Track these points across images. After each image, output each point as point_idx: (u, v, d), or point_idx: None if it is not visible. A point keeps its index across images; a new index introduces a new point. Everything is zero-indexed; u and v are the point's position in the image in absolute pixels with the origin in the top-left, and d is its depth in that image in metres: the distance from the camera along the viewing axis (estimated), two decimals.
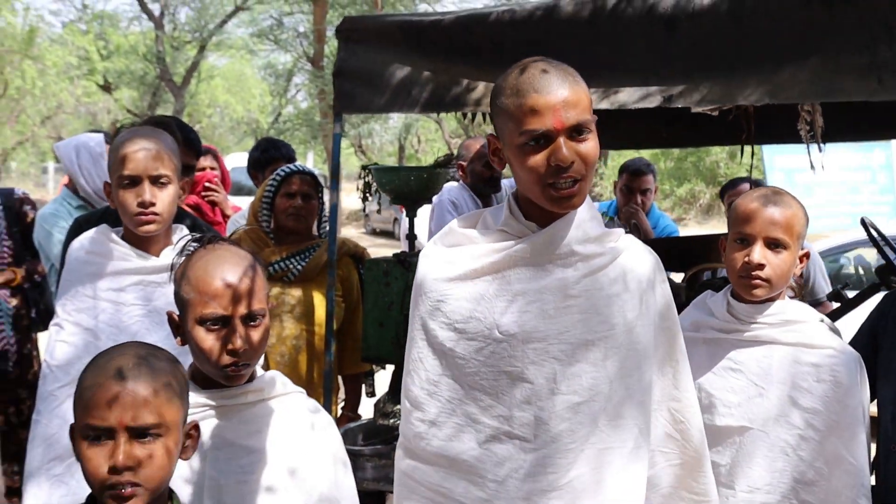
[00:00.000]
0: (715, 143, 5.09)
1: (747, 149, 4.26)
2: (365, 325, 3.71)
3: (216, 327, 1.89)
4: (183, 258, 1.98)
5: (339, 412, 3.97)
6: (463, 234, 1.92)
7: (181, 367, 1.71)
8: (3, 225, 4.79)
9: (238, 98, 29.77)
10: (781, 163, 11.64)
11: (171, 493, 1.72)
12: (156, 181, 2.44)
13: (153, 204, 2.43)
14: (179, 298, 1.96)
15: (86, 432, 1.57)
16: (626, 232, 4.71)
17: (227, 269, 1.91)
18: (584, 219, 1.85)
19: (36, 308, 4.75)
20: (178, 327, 1.99)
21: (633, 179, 4.96)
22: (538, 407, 1.79)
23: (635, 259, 1.90)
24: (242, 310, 1.90)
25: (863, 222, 3.65)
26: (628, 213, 4.85)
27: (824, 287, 4.42)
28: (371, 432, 3.64)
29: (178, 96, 24.24)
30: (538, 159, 1.73)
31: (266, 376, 2.04)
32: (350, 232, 23.26)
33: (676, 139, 5.24)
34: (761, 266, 2.25)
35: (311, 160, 28.37)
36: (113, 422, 1.55)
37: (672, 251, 4.22)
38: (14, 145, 20.37)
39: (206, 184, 4.76)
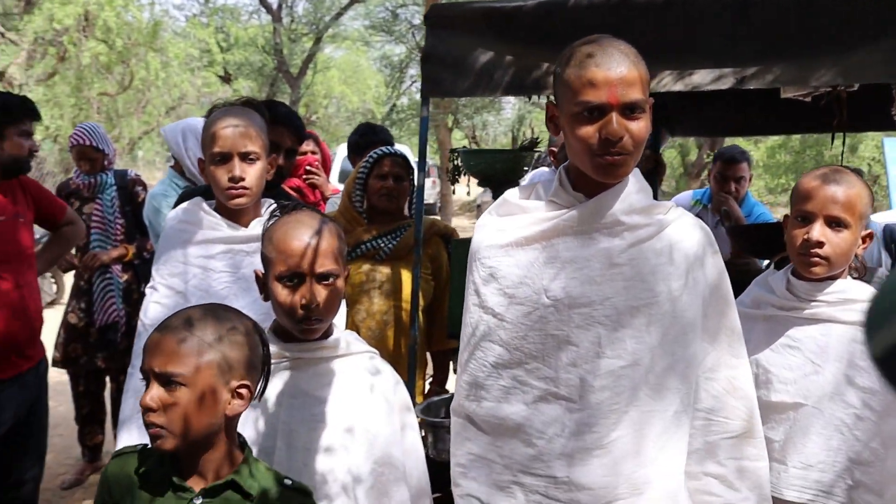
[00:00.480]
0: (807, 130, 5.01)
1: (874, 142, 4.19)
2: (451, 302, 3.80)
3: (291, 283, 2.08)
4: (271, 223, 2.17)
5: (427, 386, 4.10)
6: (515, 205, 2.01)
7: (251, 336, 1.82)
8: (116, 204, 5.11)
9: (353, 89, 30.18)
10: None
11: (242, 440, 1.86)
12: (245, 157, 2.58)
13: (242, 179, 2.57)
14: (264, 257, 2.16)
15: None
16: (717, 220, 4.71)
17: (304, 231, 2.09)
18: (631, 191, 1.92)
19: (145, 282, 5.03)
20: (263, 284, 2.18)
21: (727, 167, 4.93)
22: (583, 369, 1.87)
23: (683, 231, 1.95)
24: (316, 268, 2.08)
25: None
26: (719, 200, 4.84)
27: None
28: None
29: (294, 87, 24.84)
30: (590, 130, 1.81)
31: (341, 335, 2.21)
32: (462, 222, 23.41)
33: (770, 126, 5.18)
34: (820, 244, 2.26)
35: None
36: (146, 366, 1.73)
37: (762, 237, 4.20)
38: (140, 135, 21.20)
39: (307, 167, 4.94)
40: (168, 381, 1.71)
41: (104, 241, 5.11)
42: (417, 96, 28.60)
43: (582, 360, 1.88)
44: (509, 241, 1.97)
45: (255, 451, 1.98)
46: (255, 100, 2.82)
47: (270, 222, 2.18)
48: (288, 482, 1.83)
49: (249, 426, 2.07)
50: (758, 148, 23.87)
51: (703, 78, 2.78)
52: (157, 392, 1.71)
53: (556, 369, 1.89)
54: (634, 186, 1.93)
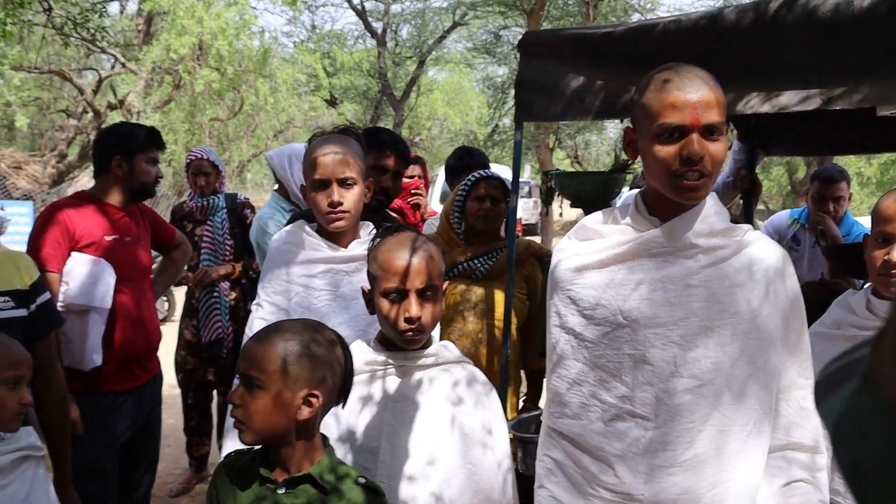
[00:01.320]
0: None
1: None
2: (544, 321, 3.87)
3: (395, 299, 2.26)
4: (375, 243, 2.37)
5: (521, 404, 4.19)
6: (593, 229, 2.09)
7: (335, 349, 2.02)
8: (226, 226, 5.37)
9: (456, 110, 30.46)
10: None
11: (325, 440, 2.06)
12: (343, 183, 2.72)
13: (341, 203, 2.71)
14: (370, 275, 2.36)
15: None
16: (815, 239, 4.65)
17: (406, 251, 2.27)
18: (709, 214, 1.97)
19: (252, 301, 5.26)
20: (370, 300, 2.37)
21: (825, 187, 4.88)
22: (659, 388, 1.93)
23: (762, 251, 2.00)
24: (417, 284, 2.25)
25: None
26: (815, 220, 4.79)
27: None
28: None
29: (397, 110, 25.25)
30: (670, 151, 1.88)
31: (441, 345, 2.40)
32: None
33: (869, 146, 5.10)
34: None
35: (527, 171, 28.72)
36: (237, 368, 1.99)
37: (859, 256, 4.14)
38: (249, 158, 21.87)
39: (413, 190, 5.12)
40: (249, 383, 1.94)
41: (213, 261, 5.37)
42: None
43: (657, 378, 1.93)
44: (586, 264, 2.05)
45: (360, 451, 2.23)
46: (354, 127, 2.97)
47: (375, 243, 2.36)
48: (362, 480, 2.00)
49: (357, 428, 2.26)
50: (870, 164, 23.18)
51: (790, 99, 2.81)
52: (241, 391, 1.95)
53: (631, 387, 1.95)
54: (711, 209, 1.99)
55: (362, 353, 2.32)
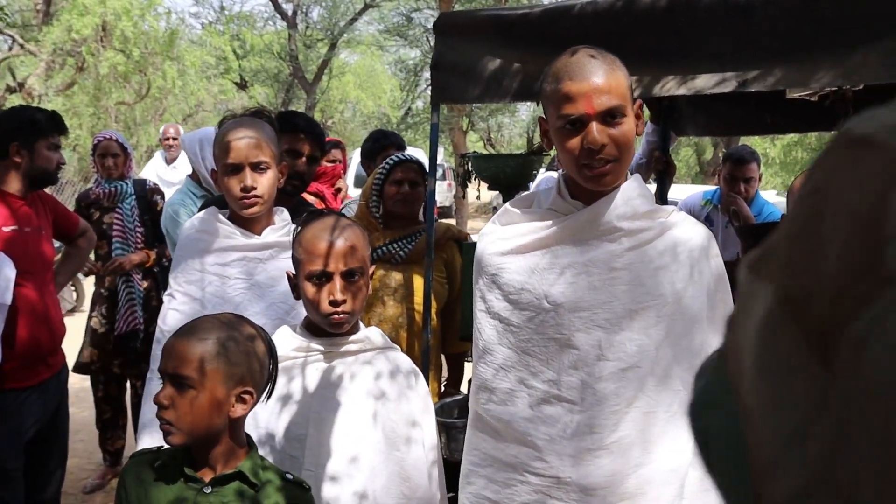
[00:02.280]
0: (815, 129, 5.04)
1: None
2: (463, 305, 3.87)
3: (319, 282, 2.22)
4: (300, 227, 2.32)
5: (442, 388, 4.17)
6: (516, 213, 2.08)
7: (258, 343, 1.97)
8: (136, 213, 5.21)
9: (368, 93, 30.29)
10: None
11: (250, 442, 1.99)
12: (256, 167, 2.65)
13: (254, 188, 2.64)
14: (294, 259, 2.31)
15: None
16: (727, 220, 4.75)
17: (330, 233, 2.23)
18: (632, 196, 1.97)
19: (164, 290, 5.13)
20: (295, 286, 2.32)
21: (736, 168, 4.96)
22: (585, 372, 1.93)
23: (686, 232, 2.00)
24: (342, 267, 2.22)
25: None
26: (728, 200, 4.87)
27: None
28: (466, 407, 3.78)
29: (309, 93, 24.93)
30: (574, 142, 1.88)
31: (367, 331, 2.36)
32: (478, 224, 23.45)
33: (779, 126, 5.21)
34: None
35: (440, 153, 28.68)
36: (162, 367, 1.91)
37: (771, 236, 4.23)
38: (157, 143, 21.39)
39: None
40: (179, 383, 1.86)
41: (125, 249, 5.20)
42: None
43: (583, 362, 1.93)
44: (510, 248, 2.03)
45: (287, 439, 2.19)
46: (266, 109, 2.90)
47: (300, 227, 2.32)
48: (289, 476, 1.97)
49: (283, 416, 2.21)
50: (774, 145, 23.78)
51: (705, 82, 2.82)
52: (169, 391, 1.87)
53: (557, 372, 1.95)
54: (634, 191, 1.99)
55: (288, 340, 2.28)
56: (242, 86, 24.88)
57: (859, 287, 0.44)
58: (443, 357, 4.20)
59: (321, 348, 2.28)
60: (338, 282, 2.22)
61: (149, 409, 2.57)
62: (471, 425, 2.14)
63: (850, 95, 3.89)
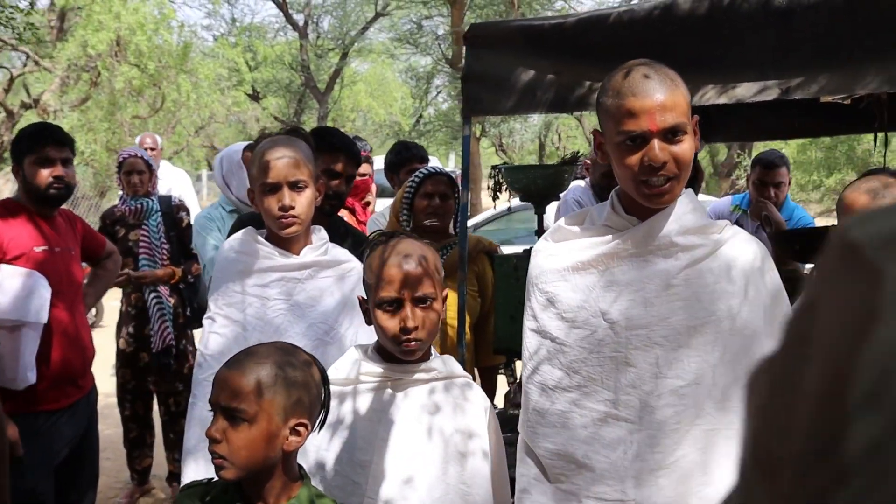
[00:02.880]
0: (847, 131, 4.99)
1: (881, 136, 4.17)
2: (496, 318, 3.84)
3: (391, 308, 2.15)
4: (370, 250, 2.26)
5: None
6: (570, 231, 2.04)
7: (313, 371, 1.92)
8: (162, 229, 5.19)
9: (380, 102, 30.28)
10: None
11: (301, 469, 1.95)
12: (293, 186, 2.62)
13: (292, 207, 2.61)
14: (365, 284, 2.26)
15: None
16: (758, 224, 4.71)
17: (402, 258, 2.16)
18: (685, 211, 1.94)
19: (191, 306, 5.12)
20: (367, 310, 2.27)
21: (765, 173, 4.91)
22: (643, 390, 1.89)
23: (740, 248, 1.97)
24: (414, 293, 2.14)
25: None
26: (758, 206, 4.82)
27: None
28: (503, 422, 3.72)
29: (321, 102, 24.93)
30: (633, 158, 1.85)
31: (439, 359, 2.30)
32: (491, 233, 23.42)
33: (809, 129, 5.15)
34: None
35: (451, 161, 28.70)
36: (213, 399, 1.86)
37: (804, 242, 4.18)
38: (171, 155, 21.42)
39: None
40: (232, 416, 1.81)
41: (151, 265, 5.18)
42: (444, 107, 28.85)
43: (641, 381, 1.90)
44: (566, 265, 2.00)
45: (351, 464, 2.14)
46: (301, 128, 2.87)
47: (370, 250, 2.26)
48: None
49: (349, 441, 2.17)
50: (788, 145, 23.65)
51: (746, 90, 2.78)
52: (222, 425, 1.82)
53: (615, 391, 1.91)
54: (688, 206, 1.96)
55: (358, 364, 2.23)
56: (255, 97, 24.89)
57: (818, 476, 0.42)
58: (476, 371, 4.17)
59: (391, 375, 2.23)
60: (409, 309, 2.15)
61: (193, 435, 2.54)
62: (523, 446, 2.09)
63: (884, 97, 3.84)
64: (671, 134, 1.84)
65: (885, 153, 4.20)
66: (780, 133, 5.74)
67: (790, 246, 4.27)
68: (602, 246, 1.96)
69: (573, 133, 34.53)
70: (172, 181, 7.63)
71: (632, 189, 1.89)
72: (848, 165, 23.03)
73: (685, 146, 1.86)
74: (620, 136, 1.85)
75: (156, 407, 5.46)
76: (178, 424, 5.08)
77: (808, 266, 4.20)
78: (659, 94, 1.83)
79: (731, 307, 1.91)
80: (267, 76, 24.97)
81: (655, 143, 1.82)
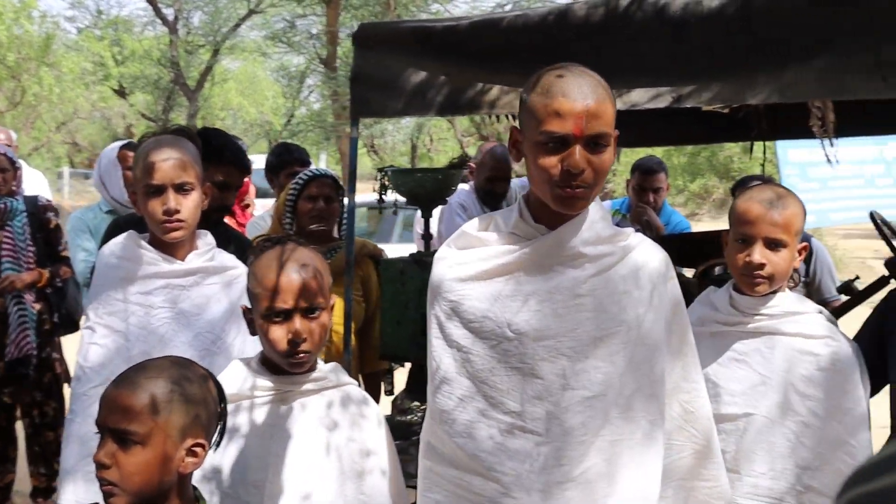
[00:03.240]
0: (727, 139, 5.15)
1: (759, 144, 4.31)
2: (382, 323, 3.78)
3: (279, 319, 2.08)
4: (253, 258, 2.17)
5: None
6: (475, 237, 1.99)
7: (209, 387, 1.82)
8: (27, 231, 4.89)
9: (251, 101, 29.86)
10: (795, 157, 11.61)
11: (197, 495, 1.85)
12: (179, 189, 2.52)
13: (178, 211, 2.50)
14: (250, 293, 2.16)
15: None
16: (637, 230, 4.79)
17: (289, 266, 2.09)
18: (594, 220, 1.92)
19: (58, 312, 4.86)
20: (251, 320, 2.18)
21: (644, 178, 5.02)
22: (550, 402, 1.86)
23: (646, 255, 1.97)
24: (302, 303, 2.08)
25: (871, 216, 3.69)
26: (638, 211, 4.91)
27: (831, 287, 4.44)
28: (391, 427, 3.70)
29: (191, 100, 24.34)
30: (552, 161, 1.80)
31: (327, 367, 2.24)
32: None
33: (689, 136, 5.28)
34: (762, 265, 2.33)
35: (323, 161, 28.43)
36: (100, 421, 1.72)
37: (683, 247, 4.27)
38: (30, 151, 20.51)
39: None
40: (123, 438, 1.69)
41: (16, 269, 4.87)
42: (316, 107, 28.59)
43: (548, 392, 1.87)
44: (470, 274, 1.95)
45: (243, 485, 2.05)
46: (188, 128, 2.75)
47: (254, 257, 2.17)
48: None
49: (239, 460, 2.08)
50: (652, 150, 24.41)
51: (640, 97, 2.79)
52: (111, 448, 1.69)
53: (521, 403, 1.88)
54: (597, 214, 1.94)
55: (245, 378, 2.14)
56: (121, 93, 24.08)
57: None
58: (360, 377, 4.10)
59: (279, 388, 2.15)
60: (298, 320, 2.09)
61: (71, 454, 2.40)
62: (426, 458, 2.04)
63: (762, 108, 3.96)
64: (594, 143, 1.80)
65: (764, 159, 4.33)
66: (660, 140, 5.87)
67: (671, 251, 4.33)
68: (509, 255, 1.91)
69: (444, 136, 34.76)
70: (27, 182, 7.24)
71: (545, 192, 1.84)
72: (710, 171, 23.94)
73: (605, 157, 1.82)
74: (542, 135, 1.80)
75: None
76: (43, 437, 4.82)
77: (689, 270, 4.29)
78: (590, 99, 1.79)
79: (638, 315, 1.91)
80: (134, 71, 24.19)
81: (577, 149, 1.78)
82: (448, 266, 1.99)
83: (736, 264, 2.39)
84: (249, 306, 2.19)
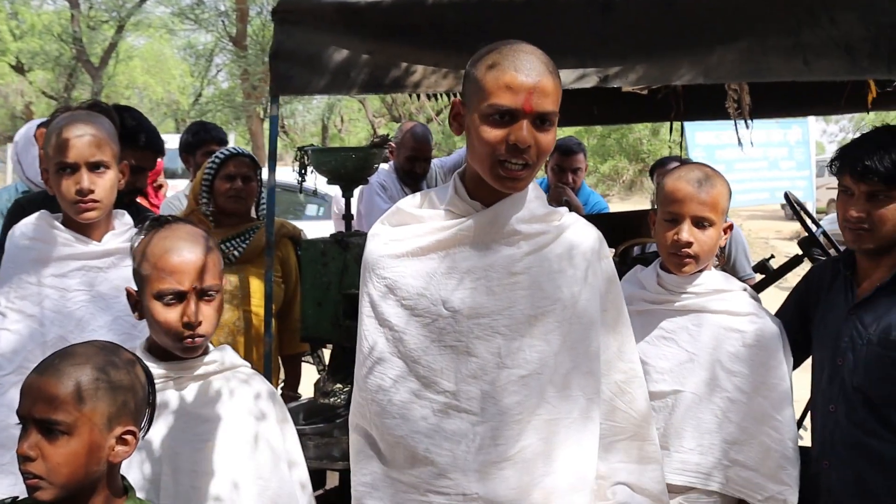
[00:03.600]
0: (644, 120, 5.22)
1: (673, 125, 4.37)
2: (303, 305, 3.73)
3: (173, 302, 2.01)
4: (142, 236, 2.08)
5: (280, 392, 4.00)
6: (409, 214, 1.96)
7: (137, 371, 1.75)
8: None
9: (157, 79, 29.16)
10: (702, 139, 11.89)
11: (126, 486, 1.78)
12: (94, 168, 2.42)
13: (92, 191, 2.41)
14: (138, 275, 2.07)
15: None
16: None
17: (183, 246, 2.02)
18: (530, 199, 1.91)
19: None
20: (137, 302, 2.10)
21: (563, 159, 5.04)
22: (485, 381, 1.85)
23: (580, 234, 1.97)
24: (197, 285, 2.02)
25: (786, 196, 3.78)
26: (558, 191, 4.94)
27: (745, 266, 4.55)
28: (312, 411, 3.66)
29: (95, 78, 23.60)
30: (498, 134, 1.77)
31: (219, 350, 2.17)
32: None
33: (607, 117, 5.34)
34: (690, 244, 2.37)
35: (232, 141, 27.99)
36: (23, 412, 1.63)
37: (603, 227, 4.29)
38: None
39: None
40: (48, 429, 1.61)
41: None
42: (225, 85, 28.09)
43: (483, 371, 1.85)
44: (405, 251, 1.92)
45: (141, 479, 1.96)
46: (103, 103, 2.64)
47: (141, 237, 2.08)
48: None
49: (132, 456, 1.94)
50: (563, 132, 24.67)
51: (566, 77, 2.78)
52: (35, 439, 1.61)
53: (456, 382, 1.86)
54: (532, 194, 1.93)
55: None
56: (20, 69, 23.21)
57: None
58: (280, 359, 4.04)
59: (170, 374, 2.08)
60: (193, 302, 2.02)
61: None
62: (359, 442, 2.00)
63: (680, 89, 4.01)
64: (540, 120, 1.78)
65: (679, 141, 4.39)
66: (578, 120, 5.91)
67: None
68: (444, 231, 1.89)
69: (356, 116, 34.55)
70: None
71: (486, 168, 1.82)
72: (620, 153, 24.33)
73: (549, 137, 1.81)
74: (490, 108, 1.77)
75: None
76: None
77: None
78: (541, 76, 1.77)
79: (573, 293, 1.90)
80: (34, 47, 23.31)
81: (525, 123, 1.76)
82: (383, 243, 1.96)
83: (664, 243, 2.41)
84: (136, 289, 2.11)
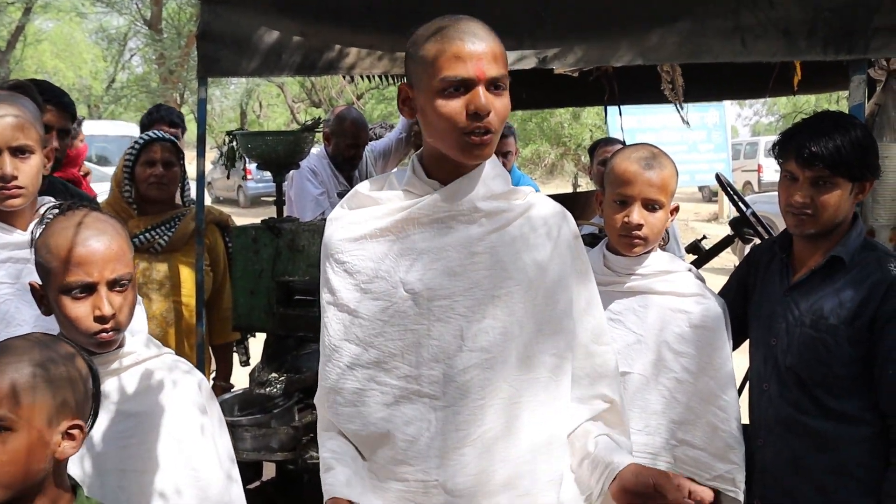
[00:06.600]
0: (575, 104, 5.23)
1: (595, 109, 4.39)
2: (235, 293, 3.66)
3: (82, 295, 1.90)
4: (43, 226, 1.96)
5: (212, 383, 3.91)
6: (367, 196, 1.91)
7: (78, 363, 1.67)
8: None
9: (68, 63, 28.37)
10: (625, 123, 11.99)
11: (73, 483, 1.71)
12: (17, 152, 2.31)
13: (15, 177, 2.29)
14: (41, 268, 1.95)
15: None
16: None
17: (89, 234, 1.91)
18: (489, 176, 1.86)
19: None
20: (42, 297, 1.98)
21: None
22: (446, 364, 1.80)
23: (544, 209, 1.93)
24: (108, 275, 1.91)
25: (717, 178, 3.82)
26: None
27: (676, 251, 4.60)
28: (247, 402, 3.59)
29: (1, 62, 22.89)
30: (456, 106, 1.72)
31: (136, 339, 2.06)
32: None
33: (538, 101, 5.33)
34: (640, 226, 2.36)
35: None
36: None
37: None
38: None
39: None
40: None
41: None
42: (139, 70, 27.47)
43: (444, 354, 1.81)
44: (363, 233, 1.87)
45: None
46: (25, 82, 2.52)
47: (43, 226, 1.96)
48: None
49: None
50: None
51: None
52: None
53: (416, 366, 1.81)
54: (492, 171, 1.88)
55: None
56: None
57: None
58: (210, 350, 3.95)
59: None
60: (104, 294, 1.90)
61: None
62: (322, 429, 1.95)
63: (612, 71, 4.02)
64: (494, 86, 1.75)
65: (622, 125, 4.41)
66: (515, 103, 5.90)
67: None
68: (402, 212, 1.84)
69: (274, 101, 34.14)
70: None
71: (450, 142, 1.77)
72: (541, 137, 24.42)
73: (505, 101, 1.78)
74: (443, 83, 1.72)
75: None
76: None
77: None
78: (487, 41, 1.75)
79: (538, 268, 1.87)
80: None
81: (481, 89, 1.72)
82: (341, 226, 1.90)
83: (613, 225, 2.40)
84: (40, 282, 1.99)
